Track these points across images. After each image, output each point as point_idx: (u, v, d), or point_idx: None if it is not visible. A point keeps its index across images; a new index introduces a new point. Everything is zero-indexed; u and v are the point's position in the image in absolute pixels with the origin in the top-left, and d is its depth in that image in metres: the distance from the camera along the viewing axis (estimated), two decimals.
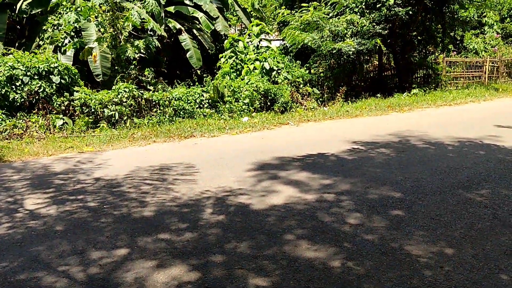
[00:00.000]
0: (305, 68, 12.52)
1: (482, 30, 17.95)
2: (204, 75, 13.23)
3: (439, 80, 13.30)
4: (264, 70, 11.45)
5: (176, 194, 4.44)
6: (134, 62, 10.73)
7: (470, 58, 15.62)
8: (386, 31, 11.38)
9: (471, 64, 15.45)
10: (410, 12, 11.35)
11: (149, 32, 11.35)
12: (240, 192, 4.44)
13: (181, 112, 9.31)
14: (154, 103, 9.13)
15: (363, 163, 5.40)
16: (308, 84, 11.85)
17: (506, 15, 19.25)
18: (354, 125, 8.20)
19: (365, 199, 4.12)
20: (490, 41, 17.18)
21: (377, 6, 11.23)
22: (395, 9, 11.08)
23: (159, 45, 11.10)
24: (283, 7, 13.18)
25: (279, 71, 11.61)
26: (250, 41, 12.57)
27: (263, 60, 11.58)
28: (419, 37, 12.97)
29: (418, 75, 13.61)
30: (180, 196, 4.36)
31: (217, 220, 3.70)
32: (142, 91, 9.21)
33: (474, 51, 16.92)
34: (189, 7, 13.40)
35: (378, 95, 11.61)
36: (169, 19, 12.69)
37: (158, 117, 8.96)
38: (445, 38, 12.75)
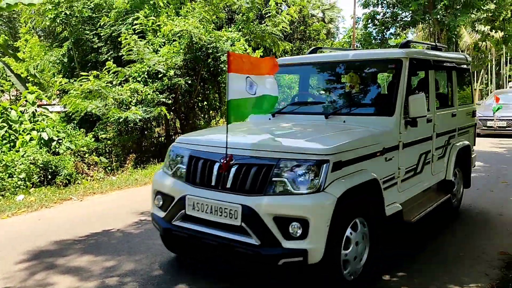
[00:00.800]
0: (91, 136, 12.06)
1: None
2: None
3: None
4: (42, 141, 10.55)
5: None
6: None
7: None
8: (170, 100, 11.97)
9: None
10: (190, 82, 12.26)
11: None
12: None
13: None
14: None
15: (149, 236, 5.37)
16: (94, 153, 11.39)
17: None
18: (143, 194, 8.15)
19: (149, 277, 4.07)
20: None
21: (159, 76, 11.77)
22: (176, 79, 11.81)
23: None
24: (60, 75, 12.60)
25: (60, 140, 10.87)
26: (25, 109, 11.51)
27: (41, 129, 10.69)
28: (200, 104, 14.03)
29: None
30: None
31: None
32: None
33: None
34: None
35: None
36: None
37: None
38: (222, 105, 14.12)
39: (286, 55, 30.04)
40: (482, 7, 24.49)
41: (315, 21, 37.76)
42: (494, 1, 25.59)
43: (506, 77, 48.61)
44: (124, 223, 6.00)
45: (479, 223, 5.54)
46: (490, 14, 29.18)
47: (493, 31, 30.43)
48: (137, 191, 8.48)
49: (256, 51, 13.07)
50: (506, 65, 48.14)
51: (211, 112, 15.12)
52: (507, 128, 15.21)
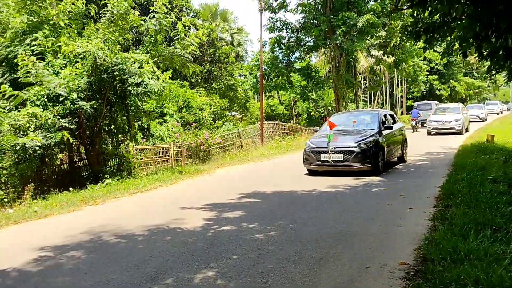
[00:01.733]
0: None
1: (165, 119, 20.27)
2: None
3: (131, 168, 13.99)
4: None
5: None
6: None
7: (157, 145, 17.24)
8: (73, 125, 11.30)
9: (159, 150, 17.07)
10: (95, 106, 11.70)
11: None
12: None
13: None
14: None
15: (50, 274, 4.94)
16: None
17: (182, 106, 22.47)
18: (43, 227, 7.52)
19: None
20: (172, 128, 19.53)
21: (60, 99, 11.09)
22: (79, 103, 11.21)
23: None
24: None
25: None
26: None
27: None
28: (107, 128, 13.42)
29: (112, 164, 13.95)
30: None
31: None
32: None
33: (160, 137, 18.82)
34: None
35: (71, 188, 11.18)
36: None
37: None
38: (131, 128, 13.66)
39: (196, 77, 30.15)
40: (375, 34, 26.72)
41: (224, 44, 38.45)
42: (385, 29, 28.08)
43: (398, 97, 53.35)
44: (21, 262, 5.46)
45: (380, 236, 5.91)
46: (382, 41, 32.02)
47: (385, 55, 33.36)
48: (37, 224, 7.80)
49: (165, 73, 12.92)
50: (398, 87, 52.86)
51: (120, 136, 14.55)
52: (344, 163, 11.18)
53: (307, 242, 5.68)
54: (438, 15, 6.40)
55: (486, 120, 39.17)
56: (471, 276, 3.98)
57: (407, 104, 55.15)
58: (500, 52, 6.47)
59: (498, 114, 51.43)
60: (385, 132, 12.12)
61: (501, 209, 6.25)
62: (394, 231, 6.09)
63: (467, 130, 25.98)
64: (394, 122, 13.76)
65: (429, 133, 25.50)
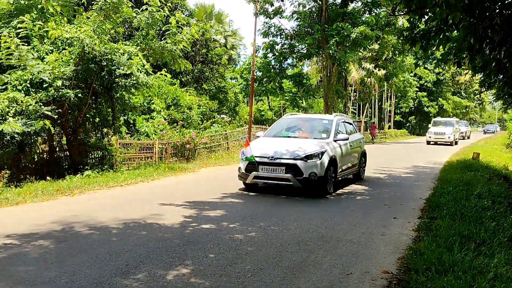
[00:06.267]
0: None
1: (152, 115, 19.92)
2: None
3: (113, 161, 13.64)
4: None
5: None
6: None
7: (142, 141, 16.88)
8: (56, 114, 10.96)
9: (143, 146, 16.72)
10: (80, 95, 11.38)
11: None
12: None
13: None
14: None
15: (13, 262, 4.65)
16: None
17: (170, 103, 22.14)
18: (12, 214, 7.19)
19: None
20: (158, 125, 19.18)
21: (44, 85, 10.75)
22: (63, 90, 10.88)
23: None
24: None
25: None
26: None
27: None
28: (91, 119, 13.08)
29: (94, 156, 13.59)
30: None
31: None
32: None
33: (145, 134, 18.45)
34: None
35: (48, 178, 10.81)
36: None
37: None
38: (116, 121, 13.34)
39: (187, 76, 29.87)
40: (368, 46, 26.81)
41: (217, 46, 38.27)
42: (378, 42, 28.22)
43: (387, 111, 53.71)
44: None
45: (363, 243, 5.73)
46: (374, 54, 32.18)
47: (377, 68, 33.54)
48: (6, 211, 7.45)
49: (163, 70, 12.60)
50: (387, 101, 53.23)
51: (104, 129, 14.20)
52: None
53: (288, 245, 5.48)
54: (434, 22, 6.31)
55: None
56: None
57: (395, 118, 55.55)
58: (493, 65, 6.40)
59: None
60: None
61: (485, 224, 6.18)
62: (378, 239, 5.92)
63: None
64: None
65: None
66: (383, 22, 24.79)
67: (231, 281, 4.25)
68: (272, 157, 9.02)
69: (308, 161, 8.88)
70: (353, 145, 10.92)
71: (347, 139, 10.22)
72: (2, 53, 10.56)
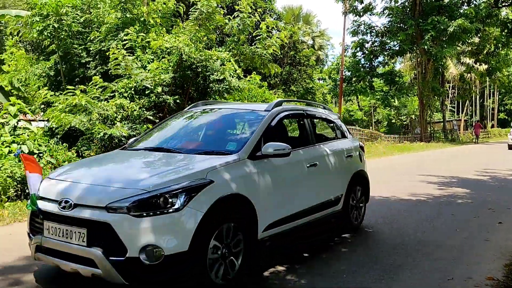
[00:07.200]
0: (74, 151, 11.76)
1: None
2: None
3: None
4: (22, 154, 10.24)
5: None
6: None
7: None
8: (157, 118, 11.80)
9: None
10: (178, 101, 12.13)
11: None
12: None
13: None
14: None
15: None
16: None
17: None
18: None
19: None
20: None
21: (146, 92, 11.64)
22: (164, 96, 11.68)
23: None
24: (46, 88, 12.37)
25: (41, 154, 10.56)
26: (6, 122, 11.23)
27: (21, 142, 10.40)
28: None
29: None
30: None
31: None
32: None
33: None
34: None
35: None
36: None
37: None
38: None
39: (275, 78, 30.33)
40: (467, 40, 25.07)
41: (305, 47, 38.32)
42: (479, 35, 26.25)
43: (489, 109, 49.61)
44: None
45: (465, 248, 5.42)
46: (474, 47, 29.96)
47: (477, 63, 31.18)
48: None
49: (252, 73, 13.01)
50: (490, 98, 49.18)
51: None
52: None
53: (383, 248, 5.36)
54: None
55: None
56: None
57: (498, 117, 51.13)
58: None
59: None
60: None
61: None
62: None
63: None
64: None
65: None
66: (483, 14, 23.00)
67: (325, 280, 4.27)
68: (65, 200, 3.69)
69: (147, 213, 3.45)
70: (327, 162, 5.56)
71: (290, 152, 4.50)
72: (111, 64, 11.62)
